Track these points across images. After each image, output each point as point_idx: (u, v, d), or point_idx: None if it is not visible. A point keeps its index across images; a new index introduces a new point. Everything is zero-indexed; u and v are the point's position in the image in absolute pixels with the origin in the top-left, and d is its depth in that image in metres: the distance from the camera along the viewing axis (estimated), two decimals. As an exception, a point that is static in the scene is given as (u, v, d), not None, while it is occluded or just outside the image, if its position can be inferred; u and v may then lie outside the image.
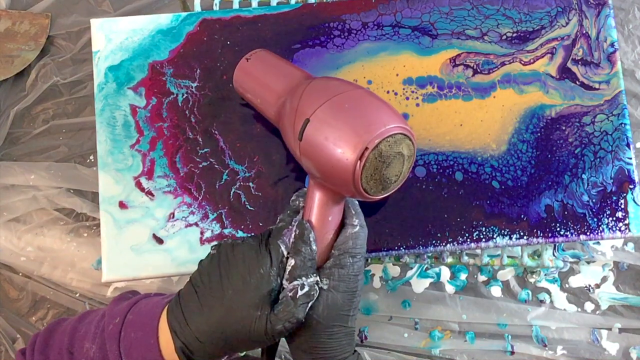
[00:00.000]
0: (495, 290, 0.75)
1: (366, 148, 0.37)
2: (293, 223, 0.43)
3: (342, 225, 0.44)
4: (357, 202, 0.45)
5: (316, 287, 0.41)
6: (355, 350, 0.44)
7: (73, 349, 0.42)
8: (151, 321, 0.41)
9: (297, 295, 0.40)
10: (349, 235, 0.42)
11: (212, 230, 0.52)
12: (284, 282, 0.41)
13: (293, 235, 0.42)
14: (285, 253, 0.41)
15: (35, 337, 0.44)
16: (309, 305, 0.40)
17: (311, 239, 0.41)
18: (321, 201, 0.42)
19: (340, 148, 0.38)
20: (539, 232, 0.53)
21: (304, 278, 0.40)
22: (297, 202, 0.45)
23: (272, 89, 0.47)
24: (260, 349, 0.46)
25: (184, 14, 0.56)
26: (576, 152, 0.54)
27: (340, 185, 0.40)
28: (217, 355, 0.41)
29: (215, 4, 0.60)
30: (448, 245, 0.53)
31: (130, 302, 0.44)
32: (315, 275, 0.41)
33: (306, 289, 0.40)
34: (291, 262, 0.41)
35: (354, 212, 0.44)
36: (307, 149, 0.40)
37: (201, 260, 0.42)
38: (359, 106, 0.39)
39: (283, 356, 0.70)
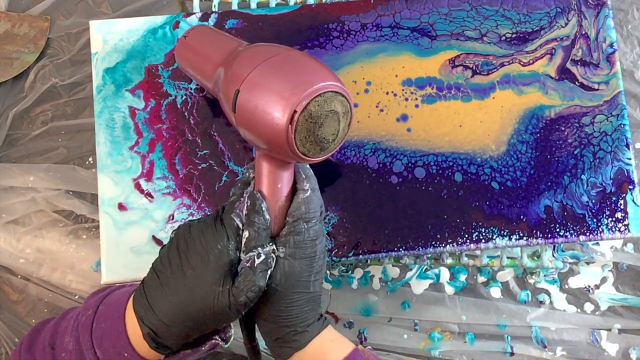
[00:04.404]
0: (495, 291, 0.74)
1: (295, 111, 0.36)
2: (245, 195, 0.42)
3: (295, 191, 0.43)
4: (307, 165, 0.44)
5: (272, 255, 0.41)
6: (321, 315, 0.44)
7: (55, 344, 0.42)
8: (118, 310, 0.41)
9: (255, 264, 0.39)
10: (301, 200, 0.42)
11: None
12: (241, 254, 0.40)
13: (245, 207, 0.41)
14: (240, 226, 0.41)
15: (24, 337, 0.44)
16: (269, 273, 0.40)
17: (263, 209, 0.41)
18: (268, 170, 0.41)
19: (270, 114, 0.37)
20: (538, 232, 0.53)
21: (259, 248, 0.40)
22: (247, 174, 0.44)
23: (209, 60, 0.46)
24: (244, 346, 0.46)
25: (178, 15, 0.56)
26: (575, 152, 0.54)
27: (279, 151, 0.39)
28: (186, 337, 0.41)
29: (214, 5, 0.60)
30: (447, 246, 0.53)
31: (104, 293, 0.44)
32: (271, 244, 0.41)
33: (262, 257, 0.40)
34: (245, 234, 0.40)
35: (304, 176, 0.43)
36: (241, 119, 0.39)
37: (162, 246, 0.42)
38: (285, 69, 0.38)
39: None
